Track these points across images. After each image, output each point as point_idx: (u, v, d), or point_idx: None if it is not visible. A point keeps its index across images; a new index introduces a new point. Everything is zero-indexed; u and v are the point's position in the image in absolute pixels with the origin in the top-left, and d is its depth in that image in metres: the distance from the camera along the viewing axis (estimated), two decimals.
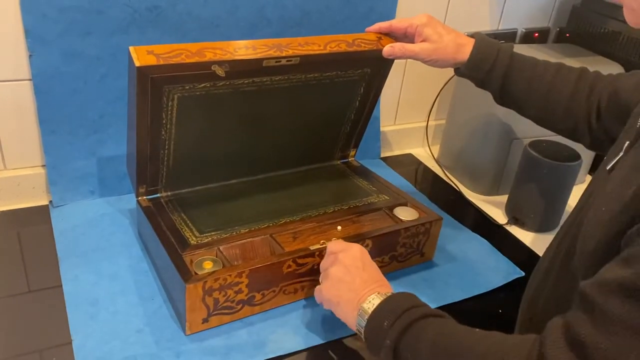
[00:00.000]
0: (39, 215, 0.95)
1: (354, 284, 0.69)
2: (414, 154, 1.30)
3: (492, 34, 1.26)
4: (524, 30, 1.30)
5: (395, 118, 1.28)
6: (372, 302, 0.65)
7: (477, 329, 0.57)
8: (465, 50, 0.82)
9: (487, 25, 1.26)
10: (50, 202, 0.97)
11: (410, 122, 1.30)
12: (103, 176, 0.98)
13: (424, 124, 1.30)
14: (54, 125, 0.92)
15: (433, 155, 1.29)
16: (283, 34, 1.03)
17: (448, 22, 1.20)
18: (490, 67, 0.82)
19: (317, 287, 0.74)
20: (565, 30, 1.32)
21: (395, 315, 0.61)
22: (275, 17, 1.01)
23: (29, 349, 0.71)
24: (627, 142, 0.60)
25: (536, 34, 1.31)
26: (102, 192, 0.99)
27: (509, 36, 1.29)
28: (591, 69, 0.90)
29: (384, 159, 1.25)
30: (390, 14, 1.12)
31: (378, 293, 0.66)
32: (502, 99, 0.86)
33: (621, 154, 0.60)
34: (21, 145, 0.94)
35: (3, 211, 0.95)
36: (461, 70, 0.85)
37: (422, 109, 1.29)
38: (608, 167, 0.60)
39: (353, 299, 0.67)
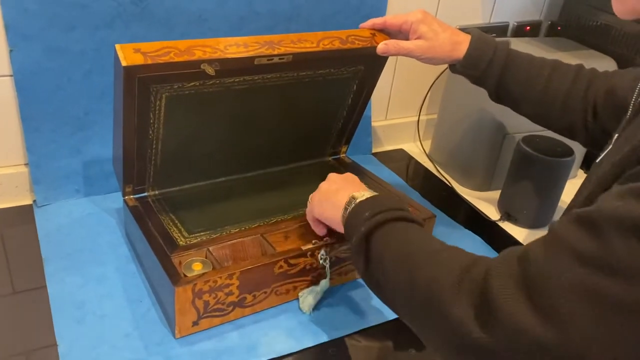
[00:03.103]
0: (23, 215, 0.92)
1: (348, 186, 0.73)
2: (405, 149, 1.29)
3: (484, 27, 1.25)
4: (515, 23, 1.29)
5: (387, 113, 1.27)
6: (364, 195, 0.68)
7: (448, 245, 0.59)
8: (461, 47, 0.81)
9: (478, 18, 1.25)
10: (34, 201, 0.94)
11: (401, 117, 1.29)
12: (88, 175, 0.95)
13: (416, 118, 1.29)
14: (37, 122, 0.89)
15: (425, 151, 1.28)
16: (273, 27, 1.01)
17: (440, 15, 1.18)
18: (487, 65, 0.81)
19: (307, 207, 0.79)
20: (557, 23, 1.31)
21: (378, 210, 0.64)
22: (265, 10, 0.99)
23: (14, 351, 0.69)
24: (616, 135, 0.61)
25: (528, 28, 1.30)
26: (87, 191, 0.96)
27: (501, 30, 1.27)
28: (584, 63, 0.89)
29: (375, 155, 1.23)
30: (381, 8, 1.10)
31: (371, 192, 0.70)
32: (498, 96, 0.85)
33: (610, 147, 0.60)
34: (3, 143, 0.91)
35: None
36: (457, 67, 0.83)
37: (414, 103, 1.28)
38: (597, 161, 0.61)
39: (346, 193, 0.70)
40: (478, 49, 0.80)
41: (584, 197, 0.56)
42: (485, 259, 0.52)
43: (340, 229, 0.70)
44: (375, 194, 0.69)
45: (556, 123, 0.83)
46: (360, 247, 0.63)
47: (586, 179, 0.64)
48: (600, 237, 0.43)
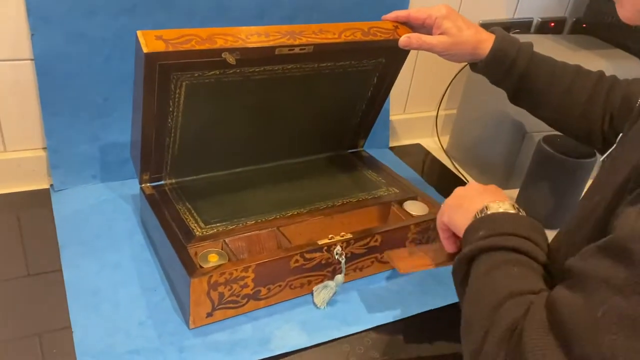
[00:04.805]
0: (40, 199, 0.92)
1: (486, 195, 0.64)
2: (422, 144, 1.27)
3: (508, 22, 1.23)
4: (539, 19, 1.26)
5: (405, 107, 1.25)
6: (500, 207, 0.60)
7: (526, 283, 0.52)
8: (484, 46, 0.79)
9: (502, 13, 1.23)
10: (51, 185, 0.94)
11: (420, 111, 1.28)
12: (106, 161, 0.95)
13: (434, 113, 1.27)
14: (56, 107, 0.89)
15: (442, 146, 1.26)
16: (294, 17, 1.00)
17: (463, 9, 1.16)
18: (509, 66, 0.79)
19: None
20: (581, 20, 1.29)
21: (494, 232, 0.56)
22: (287, 0, 0.98)
23: (27, 332, 0.70)
24: (620, 134, 0.60)
25: (552, 24, 1.28)
26: (104, 177, 0.96)
27: (525, 25, 1.25)
28: (607, 61, 0.87)
29: (392, 149, 1.22)
30: (403, 1, 1.08)
31: (513, 206, 0.61)
32: (517, 98, 0.84)
33: (615, 146, 0.60)
34: (22, 126, 0.91)
35: (3, 194, 0.92)
36: (478, 66, 0.82)
37: (433, 98, 1.27)
38: (601, 159, 0.62)
39: (482, 200, 0.62)
40: (501, 50, 0.79)
41: (595, 202, 0.53)
42: (525, 310, 0.48)
43: (464, 225, 0.62)
44: (510, 209, 0.60)
45: (574, 129, 0.82)
46: (460, 268, 0.58)
47: (596, 180, 0.63)
48: (631, 261, 0.40)
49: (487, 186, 0.68)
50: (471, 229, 0.59)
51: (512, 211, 0.60)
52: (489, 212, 0.59)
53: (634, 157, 0.49)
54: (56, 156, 0.92)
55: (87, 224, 0.87)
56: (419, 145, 1.27)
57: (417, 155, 1.23)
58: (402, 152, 1.22)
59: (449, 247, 0.68)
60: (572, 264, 0.46)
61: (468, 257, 0.57)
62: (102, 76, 0.90)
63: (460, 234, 0.62)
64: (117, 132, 0.94)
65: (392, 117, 1.22)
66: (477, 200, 0.63)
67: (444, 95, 1.25)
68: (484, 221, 0.59)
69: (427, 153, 1.24)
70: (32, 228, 0.87)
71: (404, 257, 0.73)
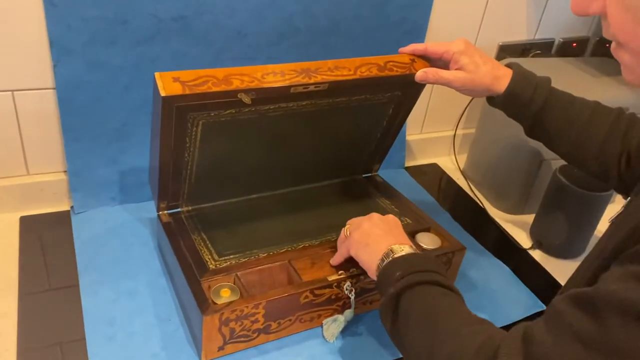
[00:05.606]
0: (61, 220, 0.95)
1: (390, 236, 0.73)
2: (439, 163, 1.27)
3: (528, 43, 1.21)
4: (561, 40, 1.25)
5: (422, 127, 1.25)
6: (402, 250, 0.69)
7: (471, 315, 0.59)
8: (501, 82, 0.79)
9: (523, 34, 1.21)
10: (72, 207, 0.97)
11: (437, 130, 1.27)
12: (124, 183, 0.97)
13: (452, 133, 1.27)
14: (77, 133, 0.91)
15: (459, 166, 1.26)
16: (312, 43, 1.00)
17: (483, 30, 1.15)
18: (525, 103, 0.79)
19: (342, 235, 0.81)
20: (605, 40, 1.26)
21: (410, 271, 0.64)
22: (304, 26, 0.98)
23: (50, 341, 0.74)
24: (629, 199, 0.62)
25: (574, 44, 1.26)
26: (122, 199, 0.98)
27: (546, 46, 1.24)
28: (627, 88, 0.86)
29: (408, 169, 1.22)
30: (422, 24, 1.08)
31: (411, 247, 0.70)
32: (533, 133, 0.84)
33: (622, 209, 0.61)
34: (44, 151, 0.94)
35: (26, 215, 0.95)
36: (495, 101, 0.82)
37: (451, 117, 1.26)
38: (612, 218, 0.63)
39: (386, 243, 0.71)
40: (518, 88, 0.79)
41: (589, 263, 0.58)
42: (498, 336, 0.53)
43: (372, 275, 0.72)
44: (412, 251, 0.69)
45: (590, 166, 0.81)
46: (388, 307, 0.64)
47: (600, 240, 0.64)
48: (600, 319, 0.44)
49: (388, 220, 0.78)
50: (386, 271, 0.67)
51: (412, 252, 0.69)
52: (395, 256, 0.68)
53: (635, 218, 0.51)
54: (76, 179, 0.94)
55: (105, 249, 0.90)
56: (435, 165, 1.26)
57: (432, 176, 1.23)
58: (418, 172, 1.22)
59: (335, 262, 0.81)
60: (554, 303, 0.50)
61: (394, 295, 0.63)
62: (121, 103, 0.92)
63: (367, 268, 0.73)
64: (135, 156, 0.96)
65: (408, 138, 1.22)
66: (382, 241, 0.72)
67: (462, 115, 1.25)
68: (395, 263, 0.67)
69: (443, 173, 1.24)
70: (53, 247, 0.90)
71: (307, 268, 0.82)
